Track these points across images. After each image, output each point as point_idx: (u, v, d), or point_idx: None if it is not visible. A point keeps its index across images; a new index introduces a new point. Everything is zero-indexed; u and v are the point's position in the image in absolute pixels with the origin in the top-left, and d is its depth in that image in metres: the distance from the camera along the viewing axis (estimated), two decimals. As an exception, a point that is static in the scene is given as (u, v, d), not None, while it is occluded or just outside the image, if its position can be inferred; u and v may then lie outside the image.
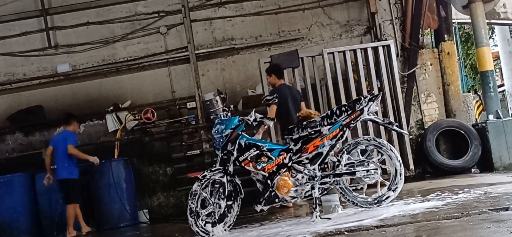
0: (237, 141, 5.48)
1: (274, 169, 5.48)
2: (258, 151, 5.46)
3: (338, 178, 5.56)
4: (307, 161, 5.51)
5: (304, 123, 5.62)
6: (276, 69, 7.48)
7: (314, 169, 5.50)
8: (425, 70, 9.63)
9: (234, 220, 5.54)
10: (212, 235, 5.34)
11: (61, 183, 7.82)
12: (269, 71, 7.53)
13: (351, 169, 5.58)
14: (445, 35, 9.68)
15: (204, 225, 5.34)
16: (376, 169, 5.56)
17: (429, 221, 4.45)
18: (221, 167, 5.46)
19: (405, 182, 5.90)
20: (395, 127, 6.11)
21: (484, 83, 9.00)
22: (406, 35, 9.56)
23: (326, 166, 5.65)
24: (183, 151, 9.23)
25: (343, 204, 6.08)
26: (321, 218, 5.36)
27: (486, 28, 9.07)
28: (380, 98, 5.79)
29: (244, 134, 5.59)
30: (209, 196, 5.39)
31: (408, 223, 4.53)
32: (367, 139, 5.78)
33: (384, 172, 6.14)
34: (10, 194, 8.14)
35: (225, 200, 5.42)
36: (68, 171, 7.76)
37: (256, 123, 5.69)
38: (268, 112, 6.91)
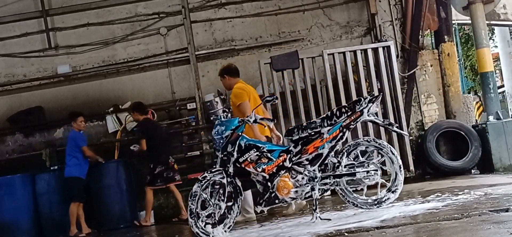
0: (237, 142, 5.48)
1: (274, 170, 5.48)
2: (258, 152, 5.46)
3: (338, 179, 5.56)
4: (307, 162, 5.51)
5: (304, 124, 5.65)
6: (138, 107, 8.28)
7: (314, 170, 5.50)
8: (425, 71, 9.63)
9: (234, 221, 5.54)
10: (212, 236, 5.34)
11: (68, 181, 7.93)
12: (132, 109, 8.40)
13: (351, 170, 5.57)
14: (445, 36, 9.67)
15: (204, 226, 5.34)
16: (376, 170, 5.56)
17: (429, 222, 4.46)
18: (221, 168, 5.45)
19: (405, 183, 5.90)
20: (395, 128, 6.11)
21: (484, 84, 9.01)
22: (406, 36, 9.56)
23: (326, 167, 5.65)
24: (183, 152, 9.23)
25: (343, 205, 6.09)
26: (321, 219, 5.36)
27: (486, 29, 9.08)
28: (380, 99, 5.80)
29: (244, 135, 5.59)
30: (209, 197, 5.39)
31: (408, 224, 4.53)
32: (367, 140, 5.78)
33: (384, 173, 6.15)
34: (11, 195, 8.14)
35: (225, 201, 5.42)
36: (78, 170, 7.93)
37: (256, 124, 5.69)
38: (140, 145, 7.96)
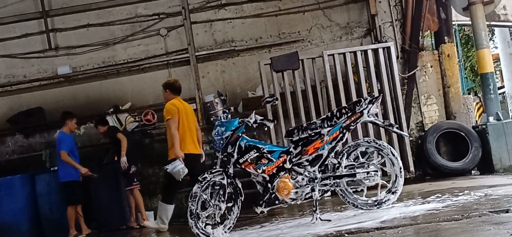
0: (237, 143, 5.48)
1: (274, 171, 5.48)
2: (258, 153, 5.46)
3: (338, 180, 5.56)
4: (307, 163, 5.51)
5: (304, 125, 5.65)
6: (99, 121, 8.48)
7: (314, 171, 5.50)
8: (425, 72, 9.63)
9: (234, 222, 5.54)
10: (212, 237, 5.35)
11: (62, 186, 7.88)
12: (95, 125, 8.51)
13: (351, 171, 5.57)
14: (445, 37, 9.68)
15: (204, 227, 5.34)
16: (376, 171, 5.56)
17: (430, 223, 4.46)
18: (221, 169, 5.45)
19: (405, 184, 5.90)
20: (395, 129, 6.11)
21: (484, 85, 9.02)
22: (406, 37, 9.57)
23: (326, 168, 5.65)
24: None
25: (343, 206, 6.09)
26: (321, 220, 5.37)
27: (486, 30, 9.09)
28: (380, 100, 5.80)
29: (244, 136, 5.59)
30: (209, 198, 5.40)
31: (408, 225, 4.53)
32: (367, 141, 5.78)
33: (384, 174, 6.15)
34: (11, 195, 8.13)
35: (225, 202, 5.42)
36: (69, 173, 7.81)
37: (257, 125, 5.69)
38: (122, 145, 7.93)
